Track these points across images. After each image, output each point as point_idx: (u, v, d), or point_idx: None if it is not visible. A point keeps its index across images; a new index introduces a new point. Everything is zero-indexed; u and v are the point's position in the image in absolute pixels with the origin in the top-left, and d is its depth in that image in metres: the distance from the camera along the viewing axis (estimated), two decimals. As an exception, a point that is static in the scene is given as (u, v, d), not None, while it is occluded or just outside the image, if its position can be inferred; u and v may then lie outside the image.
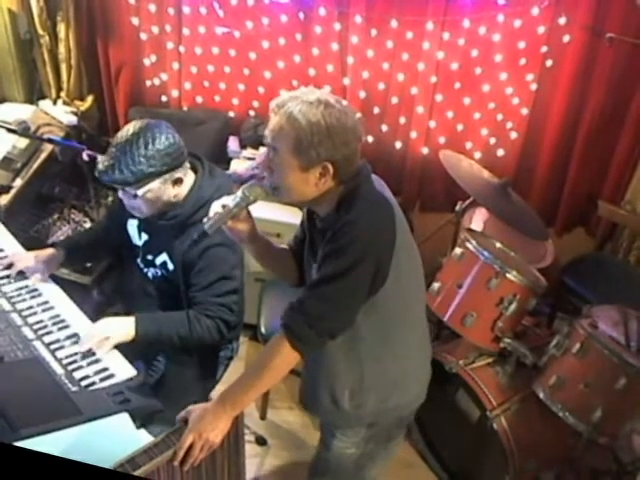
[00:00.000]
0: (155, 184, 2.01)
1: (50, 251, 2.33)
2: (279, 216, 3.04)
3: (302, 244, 1.91)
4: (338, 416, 1.90)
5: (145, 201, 2.05)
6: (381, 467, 2.10)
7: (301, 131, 1.56)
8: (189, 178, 2.13)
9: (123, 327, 2.06)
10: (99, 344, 2.00)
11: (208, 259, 2.08)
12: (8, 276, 2.28)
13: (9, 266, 2.30)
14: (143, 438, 1.71)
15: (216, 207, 1.73)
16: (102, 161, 2.00)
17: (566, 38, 3.07)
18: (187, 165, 2.11)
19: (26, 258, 2.31)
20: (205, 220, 1.73)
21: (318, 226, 1.77)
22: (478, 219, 3.24)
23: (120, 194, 2.08)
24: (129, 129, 2.01)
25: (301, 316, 1.63)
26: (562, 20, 3.03)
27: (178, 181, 2.07)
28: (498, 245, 2.78)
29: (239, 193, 1.72)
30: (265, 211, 2.92)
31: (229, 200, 1.72)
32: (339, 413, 1.88)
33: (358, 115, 1.66)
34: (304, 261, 1.89)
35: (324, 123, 1.56)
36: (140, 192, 2.01)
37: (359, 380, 1.83)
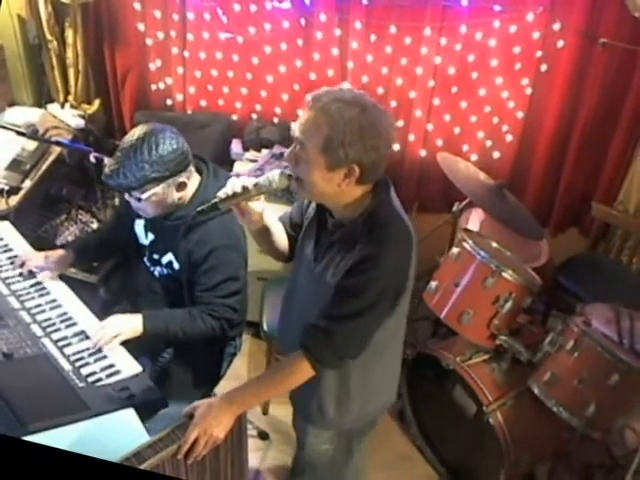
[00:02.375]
0: (159, 188, 2.01)
1: (60, 252, 2.33)
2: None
3: (297, 228, 1.88)
4: (321, 422, 1.91)
5: (150, 204, 2.05)
6: (358, 463, 2.09)
7: (334, 129, 1.50)
8: (194, 180, 2.13)
9: (131, 324, 2.07)
10: (108, 340, 2.00)
11: (215, 260, 2.08)
12: (20, 274, 2.28)
13: (20, 265, 2.30)
14: (148, 433, 1.71)
15: (236, 186, 1.66)
16: (108, 165, 2.00)
17: (560, 43, 3.07)
18: (191, 169, 2.10)
19: (37, 258, 2.31)
20: (220, 194, 1.67)
21: (330, 227, 1.72)
22: (475, 219, 3.23)
23: (126, 196, 2.08)
24: (134, 134, 2.00)
25: (327, 345, 1.64)
26: (556, 26, 3.03)
27: (182, 185, 2.06)
28: (494, 245, 2.77)
29: (263, 178, 1.67)
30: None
31: (250, 183, 1.67)
32: (323, 420, 1.89)
33: (393, 121, 1.60)
34: (297, 245, 1.86)
35: (358, 124, 1.51)
36: (144, 196, 2.01)
37: (346, 390, 1.82)
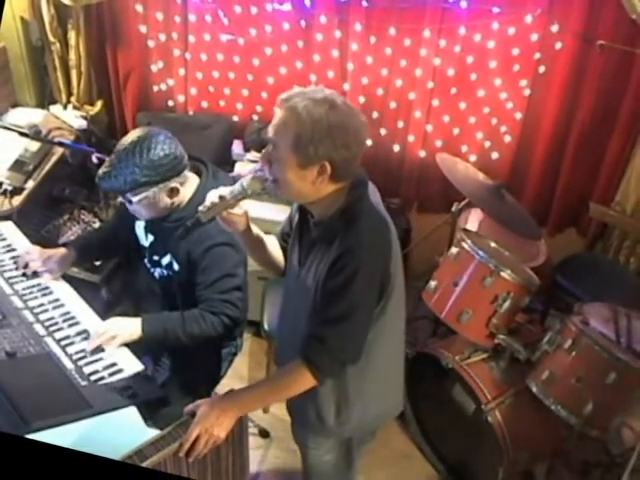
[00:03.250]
0: (149, 192, 2.01)
1: (62, 251, 2.33)
2: (275, 216, 3.02)
3: (288, 238, 1.89)
4: (322, 431, 1.90)
5: (142, 207, 2.05)
6: (358, 469, 2.10)
7: (302, 127, 1.51)
8: (192, 182, 2.12)
9: (129, 327, 2.06)
10: (106, 342, 2.00)
11: (211, 258, 2.08)
12: (23, 274, 2.28)
13: (24, 267, 2.30)
14: (150, 431, 1.71)
15: (213, 197, 1.69)
16: (101, 168, 2.01)
17: (558, 45, 3.07)
18: (186, 174, 2.09)
19: (38, 257, 2.30)
20: (201, 208, 1.70)
21: (312, 228, 1.72)
22: (473, 219, 3.23)
23: (120, 198, 2.09)
24: (128, 138, 2.00)
25: (323, 351, 1.64)
26: (554, 28, 3.03)
27: (173, 191, 2.05)
28: (493, 245, 2.77)
29: (237, 186, 1.68)
30: (261, 211, 2.93)
31: (226, 191, 1.68)
32: (323, 429, 1.88)
33: (364, 120, 1.61)
34: (287, 253, 1.87)
35: (326, 121, 1.51)
36: (135, 199, 2.02)
37: (345, 397, 1.81)
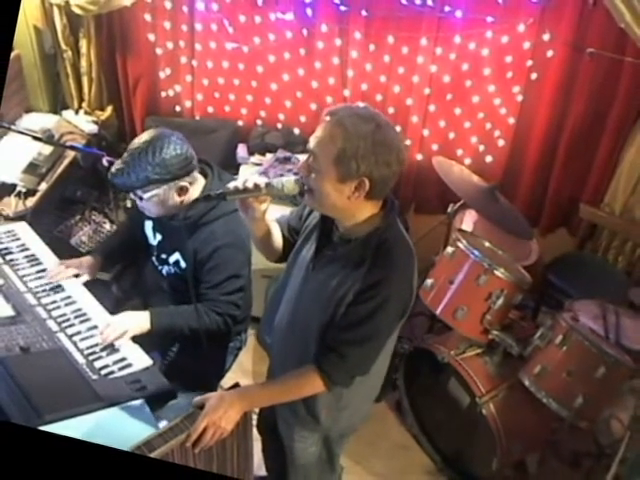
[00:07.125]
0: (160, 190, 2.01)
1: (88, 258, 2.32)
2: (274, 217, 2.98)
3: (294, 233, 1.87)
4: (309, 425, 1.89)
5: (151, 204, 2.05)
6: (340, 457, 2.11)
7: (348, 142, 1.48)
8: (199, 184, 2.12)
9: (139, 320, 2.06)
10: (117, 338, 1.99)
11: (218, 259, 2.07)
12: (36, 272, 2.26)
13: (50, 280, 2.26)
14: (158, 422, 1.71)
15: (248, 182, 1.62)
16: (115, 165, 2.01)
17: (550, 53, 3.07)
18: (195, 175, 2.09)
19: (64, 271, 2.26)
20: (230, 185, 1.63)
21: (336, 241, 1.69)
22: (468, 220, 3.23)
23: (131, 195, 2.08)
24: (142, 137, 2.00)
25: (342, 367, 1.66)
26: (546, 36, 3.02)
27: (183, 189, 2.05)
28: (487, 244, 2.77)
29: (276, 181, 1.63)
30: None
31: (262, 181, 1.63)
32: (311, 424, 1.88)
33: (405, 142, 1.60)
34: (294, 249, 1.83)
35: (372, 138, 1.48)
36: (145, 196, 2.01)
37: (338, 400, 1.82)
